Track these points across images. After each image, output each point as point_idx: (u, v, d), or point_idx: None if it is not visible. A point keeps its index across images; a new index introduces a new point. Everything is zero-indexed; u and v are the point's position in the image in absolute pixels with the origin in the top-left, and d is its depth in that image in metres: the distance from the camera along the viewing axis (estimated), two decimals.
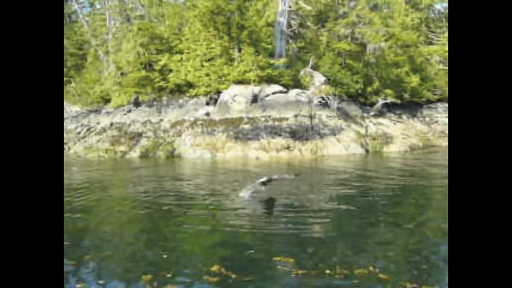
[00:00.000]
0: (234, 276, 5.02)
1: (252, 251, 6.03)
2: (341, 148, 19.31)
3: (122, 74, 22.79)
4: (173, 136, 20.16)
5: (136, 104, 22.39)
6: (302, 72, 22.13)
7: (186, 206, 9.20)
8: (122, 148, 19.86)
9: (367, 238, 6.76)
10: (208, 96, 21.48)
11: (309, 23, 24.29)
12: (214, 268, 5.23)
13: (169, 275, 5.10)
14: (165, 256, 5.85)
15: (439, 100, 29.03)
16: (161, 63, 21.83)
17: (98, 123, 22.63)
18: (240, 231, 7.15)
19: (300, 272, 5.15)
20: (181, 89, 21.95)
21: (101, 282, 4.97)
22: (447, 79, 29.32)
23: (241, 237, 6.88)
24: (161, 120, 21.29)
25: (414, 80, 26.21)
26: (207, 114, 20.69)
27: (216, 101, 21.18)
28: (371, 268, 5.17)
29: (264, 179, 9.31)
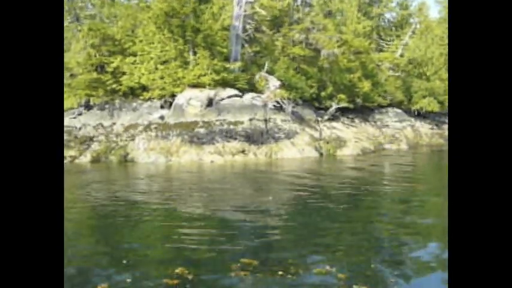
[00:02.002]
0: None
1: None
2: (295, 152, 19.56)
3: (71, 75, 21.94)
4: (126, 140, 19.65)
5: (88, 107, 21.64)
6: (257, 77, 22.26)
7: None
8: (72, 153, 19.10)
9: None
10: (163, 99, 21.13)
11: (264, 28, 24.49)
12: (178, 270, 5.22)
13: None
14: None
15: (389, 105, 30.15)
16: (114, 65, 21.22)
17: None
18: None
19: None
20: (135, 92, 21.44)
21: None
22: (397, 84, 30.55)
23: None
24: (114, 123, 20.70)
25: (366, 85, 27.05)
26: (162, 117, 20.34)
27: (170, 104, 20.87)
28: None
29: None
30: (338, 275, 5.21)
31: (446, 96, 33.31)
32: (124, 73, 21.28)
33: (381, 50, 34.14)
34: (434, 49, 34.52)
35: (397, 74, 31.46)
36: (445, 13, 42.10)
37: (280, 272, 5.26)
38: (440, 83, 33.12)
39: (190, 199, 10.77)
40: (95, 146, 19.43)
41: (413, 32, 34.63)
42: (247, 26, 22.58)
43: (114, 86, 21.11)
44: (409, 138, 28.22)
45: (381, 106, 29.45)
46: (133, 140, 19.52)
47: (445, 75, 35.03)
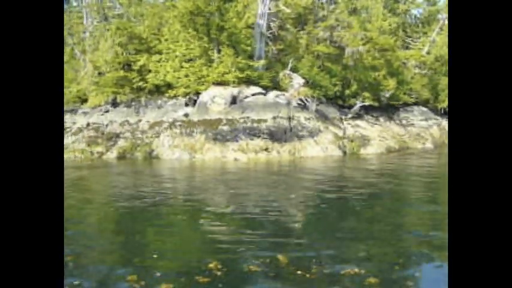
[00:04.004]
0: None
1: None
2: (319, 150, 19.49)
3: (99, 73, 22.46)
4: (151, 137, 19.99)
5: (114, 104, 22.11)
6: (281, 74, 22.26)
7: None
8: (99, 149, 19.58)
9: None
10: (187, 97, 21.36)
11: (288, 26, 24.42)
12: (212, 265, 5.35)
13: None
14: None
15: (415, 103, 29.64)
16: (140, 63, 21.60)
17: (74, 123, 22.24)
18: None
19: None
20: (160, 90, 21.77)
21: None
22: (424, 82, 30.00)
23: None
24: (139, 121, 21.08)
25: (391, 83, 26.66)
26: (186, 115, 20.58)
27: (195, 102, 21.10)
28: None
29: None
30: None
31: None
32: (150, 71, 21.63)
33: (407, 47, 33.54)
34: (447, 50, 33.68)
35: (423, 72, 30.86)
36: None
37: None
38: None
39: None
40: (121, 143, 19.83)
41: (441, 29, 33.83)
42: (272, 24, 22.57)
43: (140, 83, 21.50)
44: (435, 137, 27.70)
45: (406, 104, 28.97)
46: (158, 137, 19.84)
47: None
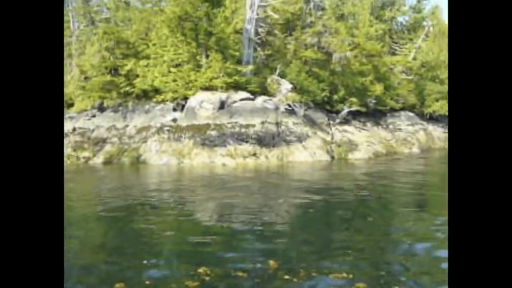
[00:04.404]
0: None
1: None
2: (307, 155, 19.56)
3: (85, 78, 22.27)
4: (139, 142, 19.84)
5: (101, 109, 21.92)
6: (269, 80, 22.32)
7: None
8: (85, 154, 19.38)
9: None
10: (175, 102, 21.28)
11: (276, 31, 24.55)
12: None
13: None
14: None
15: (401, 108, 29.99)
16: (127, 68, 21.48)
17: None
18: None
19: None
20: (148, 95, 21.65)
21: None
22: (410, 88, 30.37)
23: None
24: (126, 125, 20.92)
25: (378, 88, 26.93)
26: (174, 120, 20.49)
27: (183, 107, 21.02)
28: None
29: None
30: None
31: None
32: (137, 76, 21.51)
33: (393, 53, 33.96)
34: (447, 52, 34.22)
35: (409, 78, 31.27)
36: None
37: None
38: None
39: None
40: (108, 148, 19.65)
41: (427, 35, 34.38)
42: (260, 30, 22.67)
43: (127, 88, 21.37)
44: (421, 142, 28.02)
45: (393, 109, 29.30)
46: (145, 142, 19.70)
47: None
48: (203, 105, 20.39)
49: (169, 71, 21.26)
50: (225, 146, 19.10)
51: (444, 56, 33.64)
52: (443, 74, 33.65)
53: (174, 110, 21.21)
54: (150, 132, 20.11)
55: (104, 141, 20.11)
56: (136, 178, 15.48)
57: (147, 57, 22.00)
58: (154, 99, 21.39)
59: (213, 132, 19.46)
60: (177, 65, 21.42)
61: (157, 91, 21.37)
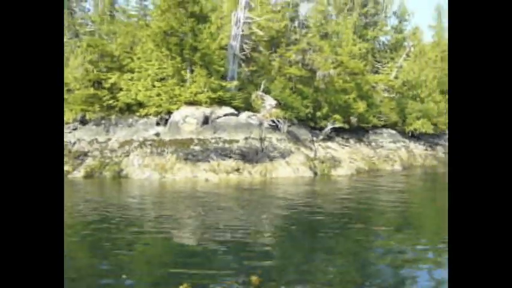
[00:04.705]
0: None
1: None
2: (290, 171, 19.58)
3: (68, 90, 22.02)
4: (121, 156, 19.60)
5: (83, 122, 21.65)
6: (253, 96, 22.44)
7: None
8: (66, 167, 19.02)
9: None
10: (159, 116, 21.19)
11: (261, 48, 24.81)
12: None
13: None
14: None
15: (384, 126, 30.41)
16: (111, 81, 21.36)
17: None
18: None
19: None
20: (131, 109, 21.51)
21: None
22: (392, 106, 30.86)
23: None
24: (109, 139, 20.68)
25: (361, 106, 27.31)
26: (157, 134, 20.36)
27: (166, 121, 20.93)
28: None
29: None
30: None
31: (440, 118, 33.80)
32: (121, 89, 21.40)
33: (376, 72, 34.59)
34: (428, 72, 35.11)
35: (391, 96, 31.80)
36: (437, 38, 43.13)
37: None
38: (434, 105, 33.56)
39: None
40: (89, 162, 19.35)
41: (408, 55, 35.18)
42: (245, 46, 22.86)
43: (110, 101, 21.20)
44: (403, 159, 28.35)
45: (375, 127, 29.69)
46: (128, 156, 19.47)
47: (439, 98, 35.57)
48: (187, 120, 20.34)
49: (154, 85, 21.22)
50: (208, 161, 19.01)
51: (424, 75, 34.42)
52: (424, 92, 34.36)
53: (158, 124, 21.09)
54: (133, 146, 19.90)
55: (85, 154, 19.81)
56: (113, 192, 15.23)
57: (132, 71, 21.94)
58: (138, 113, 21.26)
59: (197, 147, 19.38)
60: (161, 79, 21.41)
61: (140, 105, 21.26)
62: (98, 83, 21.79)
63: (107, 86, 21.39)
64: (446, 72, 40.36)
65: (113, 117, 21.42)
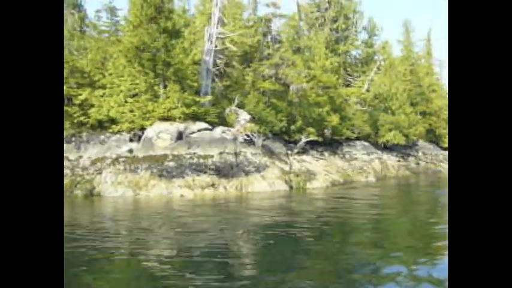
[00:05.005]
0: None
1: None
2: (265, 185, 19.58)
3: None
4: (93, 174, 19.15)
5: None
6: (227, 110, 22.44)
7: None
8: None
9: None
10: (132, 132, 20.88)
11: (234, 63, 24.93)
12: None
13: None
14: None
15: (357, 138, 30.90)
16: (82, 97, 20.92)
17: None
18: None
19: None
20: (103, 125, 21.11)
21: None
22: (364, 118, 31.42)
23: None
24: (80, 157, 20.18)
25: (334, 119, 27.69)
26: (130, 151, 20.03)
27: (139, 137, 20.64)
28: None
29: None
30: None
31: (411, 130, 34.62)
32: (92, 105, 21.00)
33: (348, 85, 35.24)
34: (398, 85, 36.03)
35: (364, 108, 32.42)
36: (406, 52, 44.47)
37: None
38: (405, 117, 34.36)
39: None
40: None
41: (378, 69, 36.05)
42: (218, 61, 22.93)
43: (81, 118, 20.74)
44: (376, 171, 28.80)
45: (349, 139, 30.11)
46: (100, 173, 19.05)
47: (409, 109, 36.50)
48: (161, 135, 20.11)
49: (126, 101, 20.92)
50: (183, 177, 18.81)
51: (395, 88, 35.28)
52: (395, 105, 35.16)
53: (131, 140, 20.77)
54: (105, 164, 19.49)
55: None
56: (82, 212, 14.85)
57: (103, 87, 21.60)
58: (110, 130, 20.87)
59: (171, 163, 19.16)
60: (134, 95, 21.13)
61: (113, 121, 20.90)
62: (68, 100, 21.32)
63: (77, 102, 20.95)
64: (416, 85, 41.62)
65: (84, 134, 20.95)
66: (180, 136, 20.18)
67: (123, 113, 20.65)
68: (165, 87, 21.01)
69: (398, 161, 33.11)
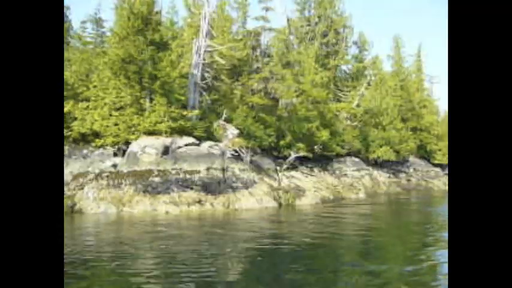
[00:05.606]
0: None
1: None
2: (254, 202, 19.02)
3: None
4: (74, 189, 18.42)
5: None
6: (215, 125, 21.95)
7: None
8: None
9: None
10: (116, 147, 20.26)
11: (223, 77, 24.55)
12: None
13: None
14: None
15: (347, 154, 30.53)
16: (65, 110, 20.29)
17: None
18: None
19: None
20: (87, 139, 20.47)
21: None
22: (355, 134, 31.15)
23: None
24: None
25: (324, 134, 27.31)
26: (114, 166, 19.38)
27: (124, 152, 20.00)
28: None
29: None
30: None
31: (402, 145, 34.39)
32: (75, 118, 20.39)
33: (338, 100, 35.04)
34: (389, 100, 35.92)
35: (354, 124, 32.16)
36: (396, 66, 44.52)
37: None
38: (396, 133, 34.15)
39: None
40: None
41: (369, 84, 35.96)
42: (206, 74, 22.52)
43: (64, 132, 20.08)
44: (367, 187, 28.41)
45: (339, 155, 29.72)
46: (82, 189, 18.34)
47: (400, 125, 36.33)
48: (146, 150, 19.49)
49: (111, 114, 20.35)
50: (169, 192, 18.18)
51: (386, 103, 35.15)
52: (386, 120, 35.00)
53: (115, 155, 20.14)
54: (88, 179, 18.77)
55: None
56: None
57: (87, 100, 21.03)
58: (94, 144, 20.25)
59: (156, 179, 18.52)
60: (119, 109, 20.57)
61: (97, 135, 20.29)
62: None
63: None
64: (406, 100, 41.56)
65: (66, 148, 20.26)
66: (166, 151, 19.58)
67: (107, 126, 20.07)
68: (151, 100, 20.48)
69: (389, 177, 32.81)
